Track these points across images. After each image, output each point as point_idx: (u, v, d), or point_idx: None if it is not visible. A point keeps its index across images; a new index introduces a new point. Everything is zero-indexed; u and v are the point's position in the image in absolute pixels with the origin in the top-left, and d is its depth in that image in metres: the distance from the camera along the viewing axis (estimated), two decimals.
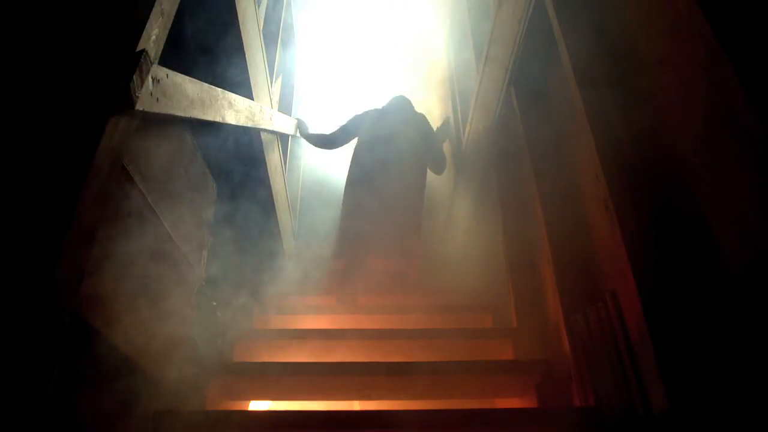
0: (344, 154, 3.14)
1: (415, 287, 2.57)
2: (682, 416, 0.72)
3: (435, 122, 3.14)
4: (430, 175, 2.92)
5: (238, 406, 1.47)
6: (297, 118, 3.19)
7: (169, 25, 1.05)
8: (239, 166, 2.01)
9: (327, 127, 3.25)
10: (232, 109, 1.59)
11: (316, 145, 3.21)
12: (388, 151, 2.71)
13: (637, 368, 0.85)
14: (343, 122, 3.11)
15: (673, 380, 0.74)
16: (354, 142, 3.02)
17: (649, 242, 0.85)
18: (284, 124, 2.64)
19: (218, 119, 1.46)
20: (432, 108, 3.54)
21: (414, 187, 2.71)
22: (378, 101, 3.18)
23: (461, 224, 2.65)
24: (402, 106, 3.04)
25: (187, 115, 1.21)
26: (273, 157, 2.38)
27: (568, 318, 1.15)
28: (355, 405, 1.64)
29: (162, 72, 1.01)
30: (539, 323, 1.45)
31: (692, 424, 0.71)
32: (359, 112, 3.11)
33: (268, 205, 2.33)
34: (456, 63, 3.10)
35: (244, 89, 1.80)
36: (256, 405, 1.57)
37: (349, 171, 2.84)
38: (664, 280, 0.81)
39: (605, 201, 0.93)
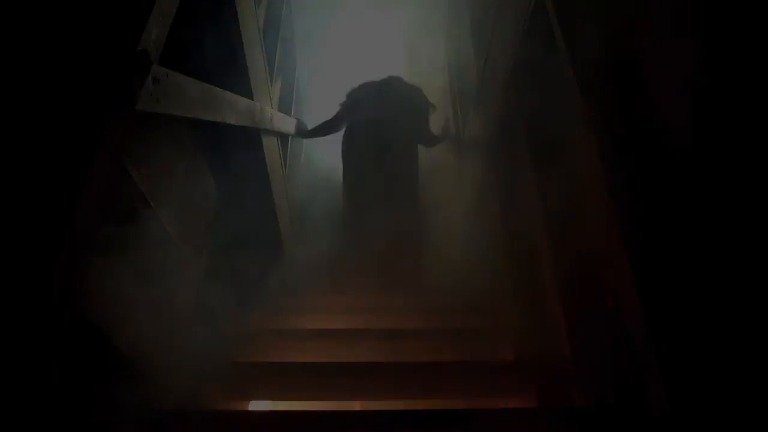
0: None
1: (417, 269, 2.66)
2: (682, 416, 0.72)
3: (435, 122, 3.15)
4: (430, 177, 2.93)
5: (238, 406, 1.47)
6: (297, 119, 3.19)
7: (169, 25, 1.05)
8: (239, 167, 2.00)
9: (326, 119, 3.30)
10: (232, 109, 1.59)
11: (317, 136, 3.26)
12: (377, 130, 2.81)
13: (637, 368, 0.85)
14: (339, 106, 3.18)
15: (673, 380, 0.74)
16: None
17: (650, 242, 0.85)
18: (284, 124, 2.63)
19: (218, 119, 1.45)
20: None
21: (407, 164, 2.87)
22: (373, 76, 3.24)
23: (462, 225, 2.65)
24: (393, 82, 3.13)
25: (188, 115, 1.20)
26: (273, 158, 2.37)
27: (568, 318, 1.15)
28: (355, 405, 1.64)
29: (162, 72, 1.01)
30: (539, 323, 1.45)
31: (692, 424, 0.71)
32: (355, 86, 3.18)
33: (268, 205, 2.32)
34: (456, 63, 3.10)
35: (244, 89, 1.80)
36: (256, 405, 1.57)
37: (342, 151, 2.93)
38: (664, 280, 0.81)
39: (605, 201, 0.93)
